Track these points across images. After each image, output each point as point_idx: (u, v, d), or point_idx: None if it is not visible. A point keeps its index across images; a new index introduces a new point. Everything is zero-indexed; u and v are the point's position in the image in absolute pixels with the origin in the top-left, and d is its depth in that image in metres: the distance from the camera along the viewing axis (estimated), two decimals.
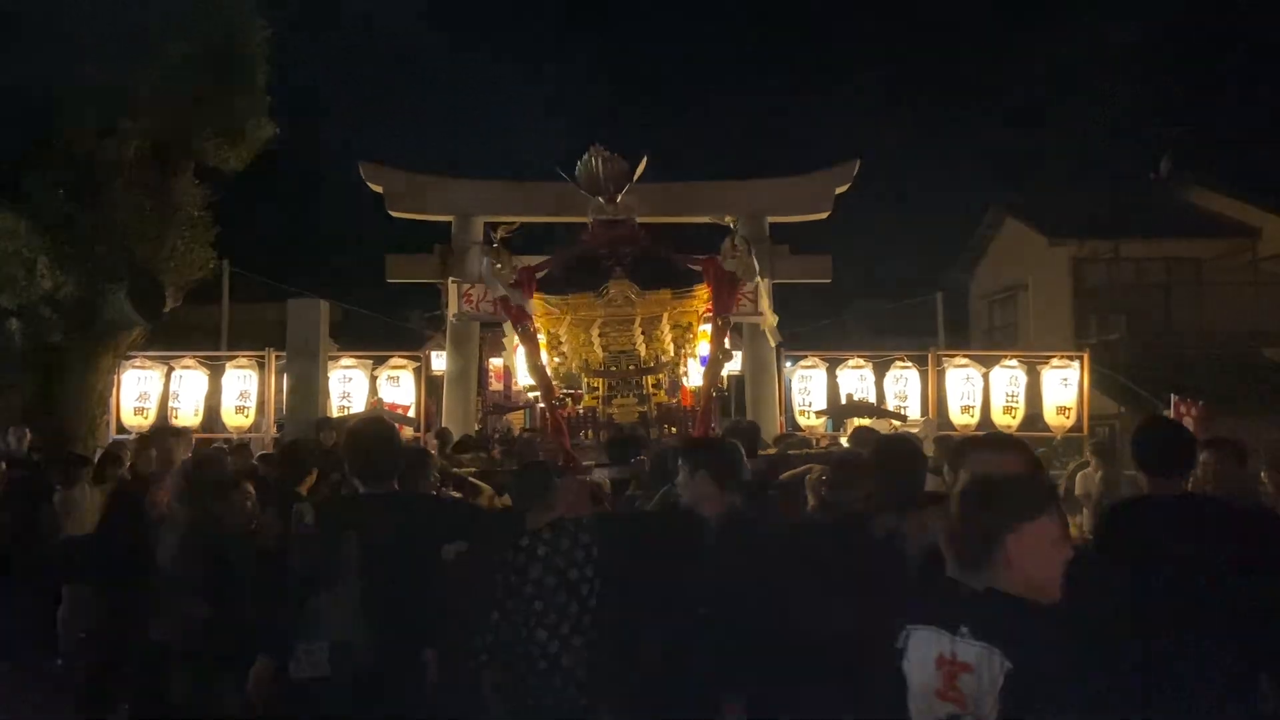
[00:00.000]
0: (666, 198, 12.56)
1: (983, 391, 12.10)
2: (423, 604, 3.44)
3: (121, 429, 11.37)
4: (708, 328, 7.39)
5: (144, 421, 11.47)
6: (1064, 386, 12.17)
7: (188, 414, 11.66)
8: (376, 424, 4.06)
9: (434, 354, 14.80)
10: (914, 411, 11.95)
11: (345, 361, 12.23)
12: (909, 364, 12.23)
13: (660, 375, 7.66)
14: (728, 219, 7.16)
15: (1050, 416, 12.15)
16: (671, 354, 7.66)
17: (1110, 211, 17.89)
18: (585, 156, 7.26)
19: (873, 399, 11.90)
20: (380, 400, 11.98)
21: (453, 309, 12.83)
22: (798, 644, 3.08)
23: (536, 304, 7.35)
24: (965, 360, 12.35)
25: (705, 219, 12.23)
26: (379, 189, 13.00)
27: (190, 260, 10.57)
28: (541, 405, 7.47)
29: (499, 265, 7.27)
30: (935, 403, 12.02)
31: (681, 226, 12.70)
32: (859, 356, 12.22)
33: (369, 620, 3.38)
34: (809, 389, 12.04)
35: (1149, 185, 20.03)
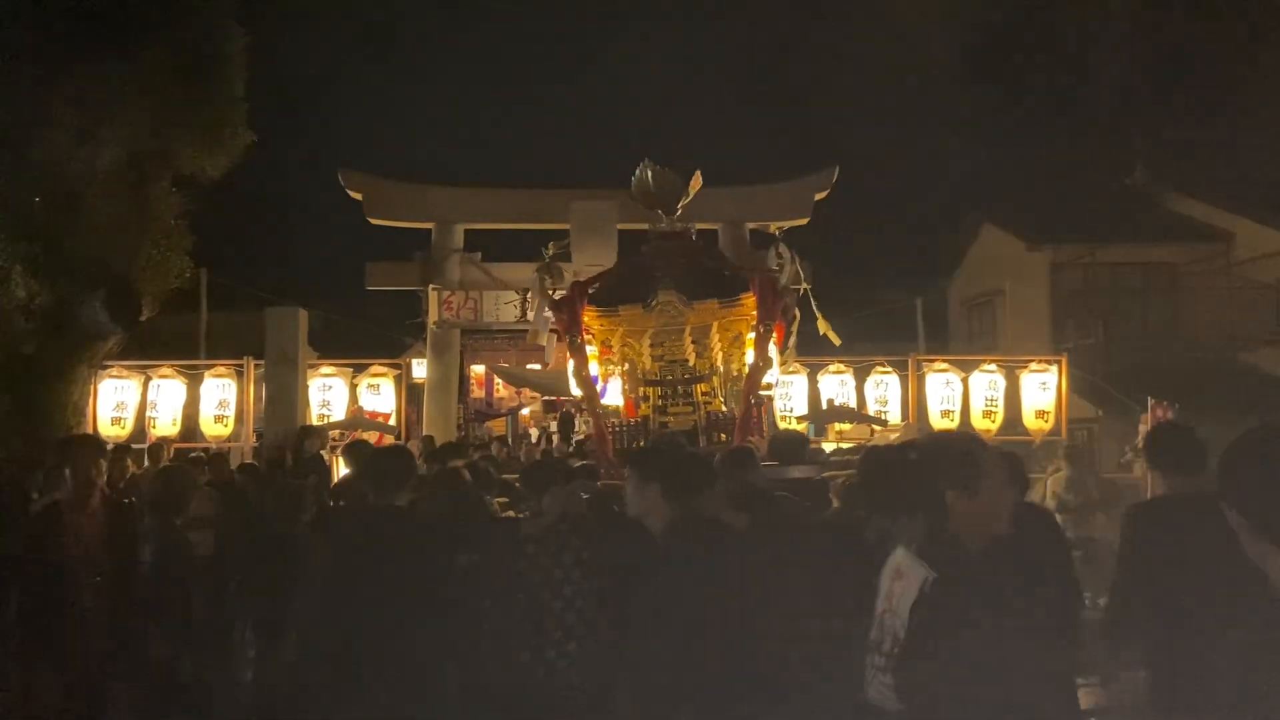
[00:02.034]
0: None
1: (962, 396, 12.15)
2: (396, 609, 3.46)
3: None
4: (753, 336, 7.41)
5: (121, 432, 11.35)
6: (1042, 390, 12.25)
7: (166, 424, 11.54)
8: (394, 448, 4.19)
9: (415, 362, 14.75)
10: (894, 416, 12.00)
11: (325, 370, 12.15)
12: (889, 369, 12.27)
13: (715, 382, 7.67)
14: (772, 227, 7.19)
15: (1029, 420, 12.23)
16: (721, 363, 7.67)
17: (1087, 218, 18.06)
18: (638, 171, 7.30)
19: (854, 404, 11.94)
20: (360, 409, 11.92)
21: (433, 316, 12.79)
22: (745, 656, 3.10)
23: (589, 316, 7.38)
24: (945, 365, 12.40)
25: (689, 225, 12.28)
26: (359, 196, 12.96)
27: (166, 269, 10.50)
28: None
29: (549, 280, 7.30)
30: (915, 407, 12.07)
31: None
32: (839, 362, 12.25)
33: (336, 619, 3.47)
34: (790, 394, 12.05)
35: (1124, 191, 20.24)
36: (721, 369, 7.59)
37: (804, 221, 12.94)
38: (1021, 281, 18.46)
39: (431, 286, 12.84)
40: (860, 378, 12.17)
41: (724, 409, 7.45)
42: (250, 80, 10.94)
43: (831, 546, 3.44)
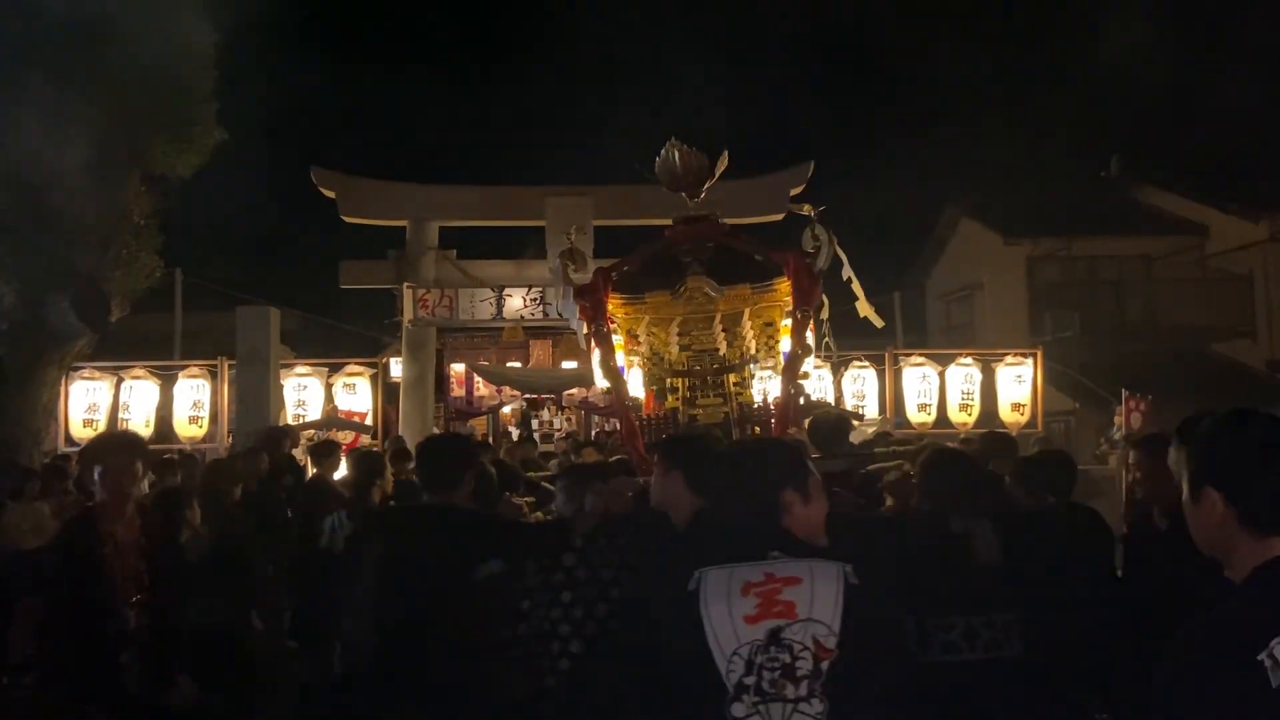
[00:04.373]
0: (619, 200, 12.59)
1: (939, 390, 12.19)
2: (441, 613, 3.34)
3: (70, 441, 11.16)
4: (790, 323, 7.18)
5: (93, 434, 11.25)
6: (1018, 383, 12.30)
7: (138, 425, 11.42)
8: (446, 437, 4.08)
9: (392, 360, 14.66)
10: (871, 410, 12.02)
11: (300, 369, 12.07)
12: (866, 363, 12.30)
13: (745, 373, 7.44)
14: (806, 208, 6.89)
15: (1005, 413, 12.28)
16: (754, 351, 7.44)
17: (1063, 211, 18.18)
18: (663, 151, 7.05)
19: (831, 399, 11.95)
20: (335, 408, 11.85)
21: (408, 314, 12.74)
22: None
23: (614, 304, 7.17)
24: (921, 359, 12.45)
25: (661, 221, 12.25)
26: (331, 194, 12.88)
27: (136, 268, 10.37)
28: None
29: (572, 268, 7.05)
30: (892, 401, 12.11)
31: (640, 228, 12.71)
32: (816, 356, 12.20)
33: (378, 624, 3.37)
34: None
35: (1100, 184, 20.37)
36: (755, 358, 7.36)
37: (779, 217, 12.93)
38: (999, 275, 18.56)
39: (406, 285, 12.78)
40: (837, 372, 12.18)
41: (754, 400, 7.24)
42: (221, 78, 10.83)
43: (929, 543, 3.30)
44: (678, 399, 7.32)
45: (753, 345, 7.34)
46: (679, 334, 7.32)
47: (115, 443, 4.34)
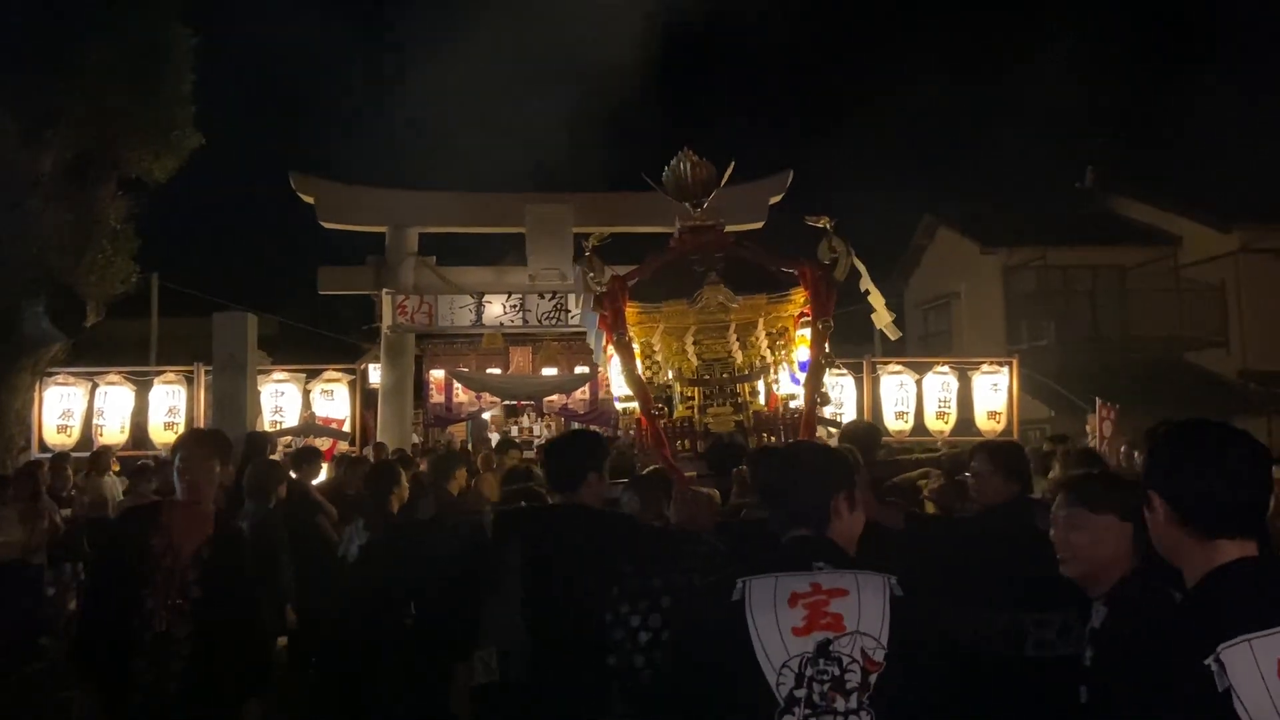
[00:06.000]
0: (602, 208, 12.62)
1: (916, 397, 12.28)
2: (579, 614, 3.27)
3: (44, 447, 11.04)
4: (804, 332, 7.19)
5: (67, 440, 11.15)
6: (994, 391, 12.41)
7: (113, 431, 11.35)
8: (573, 434, 4.02)
9: (371, 367, 14.62)
10: (849, 418, 12.08)
11: (277, 375, 11.99)
12: (845, 371, 12.37)
13: (756, 383, 7.45)
14: (823, 220, 6.89)
15: (981, 421, 12.37)
16: (768, 360, 7.45)
17: (1039, 221, 18.37)
18: (674, 161, 7.05)
19: None
20: (313, 414, 11.79)
21: (387, 320, 12.70)
22: None
23: (630, 313, 7.15)
24: (899, 367, 12.54)
25: (645, 229, 12.32)
26: (310, 199, 12.83)
27: (111, 273, 10.28)
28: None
29: (592, 275, 7.00)
30: (870, 409, 12.18)
31: (621, 236, 12.74)
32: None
33: (530, 629, 3.29)
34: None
35: (1075, 195, 20.61)
36: (771, 366, 7.36)
37: (759, 225, 13.01)
38: (976, 284, 18.72)
39: (385, 291, 12.75)
40: None
41: (764, 408, 7.24)
42: (199, 81, 10.78)
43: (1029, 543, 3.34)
44: (691, 407, 7.34)
45: (766, 354, 7.37)
46: (693, 343, 7.36)
47: (198, 438, 4.13)
